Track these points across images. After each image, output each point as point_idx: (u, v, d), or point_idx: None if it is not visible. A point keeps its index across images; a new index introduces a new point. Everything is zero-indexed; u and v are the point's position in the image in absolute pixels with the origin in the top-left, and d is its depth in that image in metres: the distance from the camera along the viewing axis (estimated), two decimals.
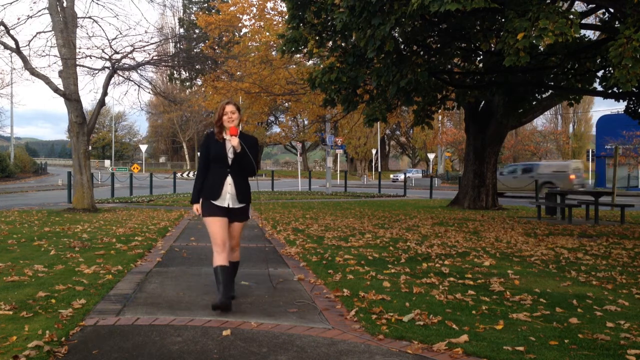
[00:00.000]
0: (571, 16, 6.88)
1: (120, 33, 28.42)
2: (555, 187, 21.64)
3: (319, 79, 10.39)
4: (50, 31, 13.39)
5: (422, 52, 10.54)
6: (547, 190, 17.58)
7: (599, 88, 11.01)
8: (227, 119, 4.19)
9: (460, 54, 11.33)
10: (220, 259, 4.18)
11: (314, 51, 10.98)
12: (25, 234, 8.49)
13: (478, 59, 12.30)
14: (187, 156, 70.97)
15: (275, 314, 4.07)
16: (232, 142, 4.13)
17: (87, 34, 37.35)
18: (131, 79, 14.65)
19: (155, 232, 8.95)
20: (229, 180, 4.19)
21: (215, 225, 4.17)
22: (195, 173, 4.41)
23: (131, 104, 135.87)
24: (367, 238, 8.39)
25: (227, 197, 4.19)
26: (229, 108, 4.21)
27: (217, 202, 4.18)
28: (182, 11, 43.47)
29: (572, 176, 23.16)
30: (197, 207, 4.29)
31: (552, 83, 11.40)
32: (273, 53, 21.73)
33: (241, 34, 25.41)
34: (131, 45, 14.04)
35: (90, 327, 3.66)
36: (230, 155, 4.18)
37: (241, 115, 4.28)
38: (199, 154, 4.60)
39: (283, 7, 18.79)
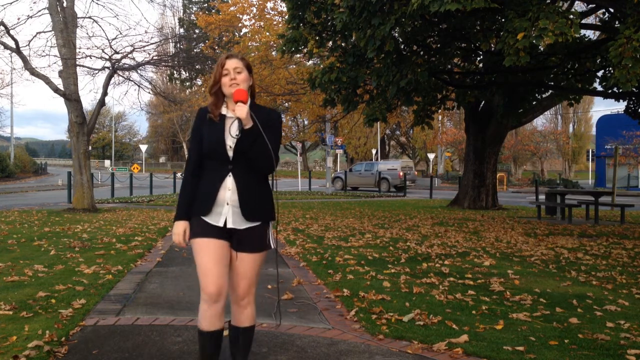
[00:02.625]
0: (571, 16, 6.89)
1: (120, 33, 28.50)
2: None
3: (319, 79, 10.40)
4: (50, 31, 13.41)
5: (422, 52, 10.55)
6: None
7: (599, 88, 11.02)
8: (229, 81, 2.54)
9: (460, 54, 11.35)
10: (209, 316, 2.53)
11: (314, 51, 10.98)
12: (25, 234, 8.49)
13: (478, 59, 12.31)
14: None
15: (275, 314, 4.06)
16: (237, 113, 2.48)
17: (87, 34, 37.44)
18: (131, 79, 14.70)
19: (155, 232, 8.95)
20: (229, 182, 2.53)
21: (206, 254, 2.51)
22: (183, 174, 2.64)
23: (131, 104, 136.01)
24: (367, 238, 8.39)
25: (225, 209, 2.53)
26: (231, 64, 2.55)
27: (208, 219, 2.53)
28: (182, 11, 43.48)
29: (401, 173, 27.82)
30: (184, 228, 2.56)
31: (552, 83, 11.41)
32: (273, 53, 21.74)
33: (241, 34, 25.41)
34: (131, 45, 14.09)
35: (90, 327, 3.66)
36: (230, 143, 2.53)
37: (253, 78, 2.67)
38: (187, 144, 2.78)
39: (283, 7, 18.80)
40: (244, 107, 2.48)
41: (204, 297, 2.51)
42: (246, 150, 2.50)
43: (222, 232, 2.54)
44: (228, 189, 2.53)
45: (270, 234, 2.63)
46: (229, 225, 2.53)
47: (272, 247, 2.61)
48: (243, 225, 2.54)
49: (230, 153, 2.53)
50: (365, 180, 28.76)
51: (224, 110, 2.61)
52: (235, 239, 2.57)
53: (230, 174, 2.54)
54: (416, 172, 32.68)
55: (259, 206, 2.58)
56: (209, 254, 2.50)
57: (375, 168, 29.41)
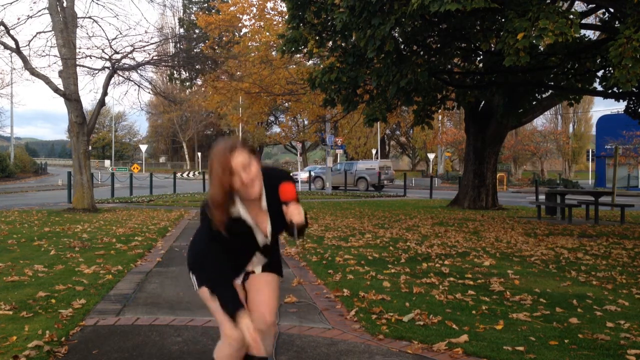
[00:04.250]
0: (571, 16, 6.89)
1: (120, 33, 28.44)
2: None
3: (319, 79, 10.40)
4: (50, 31, 13.40)
5: (422, 52, 10.55)
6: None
7: (599, 88, 11.02)
8: (241, 184, 2.10)
9: (460, 54, 11.34)
10: (230, 357, 2.31)
11: (314, 51, 10.98)
12: (25, 234, 8.49)
13: (478, 59, 12.31)
14: (187, 156, 70.99)
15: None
16: (295, 219, 2.12)
17: (87, 34, 37.37)
18: (131, 79, 14.68)
19: (155, 232, 8.95)
20: (258, 256, 2.38)
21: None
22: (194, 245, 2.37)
23: (131, 104, 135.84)
24: (367, 238, 8.39)
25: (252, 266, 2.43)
26: (238, 162, 2.08)
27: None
28: (182, 11, 43.43)
29: (379, 172, 29.31)
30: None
31: (552, 83, 11.41)
32: (273, 53, 21.73)
33: (241, 34, 25.40)
34: (131, 45, 14.06)
35: (90, 327, 3.66)
36: (265, 240, 2.32)
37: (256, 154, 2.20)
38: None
39: (283, 7, 18.80)
40: (301, 210, 2.12)
41: (229, 342, 2.27)
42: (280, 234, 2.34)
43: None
44: (255, 257, 2.38)
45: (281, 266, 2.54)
46: (255, 272, 2.42)
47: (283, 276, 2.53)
48: (260, 269, 2.44)
49: (263, 244, 2.34)
50: (347, 179, 29.27)
51: (242, 212, 2.20)
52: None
53: (257, 252, 2.36)
54: (394, 172, 34.04)
55: (278, 264, 2.48)
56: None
57: (354, 167, 30.34)
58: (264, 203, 2.20)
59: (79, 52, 13.53)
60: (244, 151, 2.10)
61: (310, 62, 22.16)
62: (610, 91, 10.07)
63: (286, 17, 10.95)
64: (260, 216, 2.24)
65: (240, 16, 23.19)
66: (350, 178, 29.49)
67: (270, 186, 2.18)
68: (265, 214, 2.22)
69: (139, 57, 18.36)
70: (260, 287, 2.36)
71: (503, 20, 8.29)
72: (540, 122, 56.03)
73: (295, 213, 2.10)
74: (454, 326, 3.69)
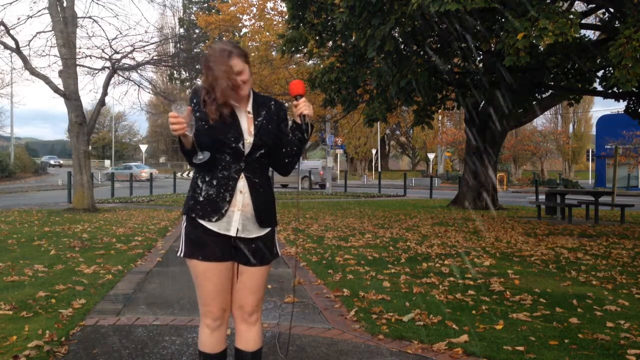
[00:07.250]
0: (571, 16, 6.90)
1: (120, 33, 28.53)
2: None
3: (319, 79, 10.41)
4: (50, 31, 13.41)
5: (422, 52, 10.55)
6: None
7: (599, 88, 11.03)
8: (234, 84, 2.12)
9: (460, 54, 11.35)
10: (213, 342, 2.28)
11: (314, 51, 11.01)
12: (25, 234, 8.49)
13: (478, 59, 12.32)
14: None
15: (275, 313, 4.06)
16: (302, 110, 2.17)
17: (87, 34, 37.44)
18: (131, 79, 14.73)
19: (155, 232, 8.95)
20: (242, 184, 2.18)
21: (210, 281, 2.20)
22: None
23: (131, 104, 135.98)
24: (367, 238, 8.39)
25: (236, 215, 2.18)
26: (237, 67, 2.10)
27: (215, 227, 2.17)
28: (182, 11, 43.50)
29: (321, 172, 29.63)
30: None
31: (552, 83, 11.42)
32: (273, 53, 21.76)
33: (241, 34, 25.42)
34: (131, 45, 14.11)
35: (90, 327, 3.66)
36: (249, 138, 2.17)
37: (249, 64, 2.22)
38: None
39: (283, 7, 18.81)
40: (309, 104, 2.18)
41: (207, 323, 2.25)
42: (268, 147, 2.20)
43: (227, 249, 2.18)
44: (240, 191, 2.17)
45: (276, 241, 2.34)
46: (240, 235, 2.18)
47: (279, 255, 2.34)
48: (254, 233, 2.21)
49: (247, 149, 2.16)
50: (292, 179, 29.72)
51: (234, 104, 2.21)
52: (242, 252, 2.20)
53: (243, 174, 2.17)
54: (339, 172, 36.22)
55: (270, 210, 2.26)
56: (213, 281, 2.19)
57: (299, 166, 30.61)
58: (249, 107, 2.23)
59: (79, 52, 13.55)
60: (240, 59, 2.13)
61: (310, 62, 22.17)
62: (610, 91, 10.08)
63: (286, 17, 10.97)
64: (245, 117, 2.24)
65: (240, 16, 23.24)
66: (297, 177, 30.76)
67: (276, 112, 2.26)
68: (250, 119, 2.22)
69: (139, 57, 18.40)
70: (251, 284, 2.27)
71: (503, 20, 8.30)
72: (540, 122, 55.95)
73: (304, 106, 2.17)
74: (454, 326, 3.69)
